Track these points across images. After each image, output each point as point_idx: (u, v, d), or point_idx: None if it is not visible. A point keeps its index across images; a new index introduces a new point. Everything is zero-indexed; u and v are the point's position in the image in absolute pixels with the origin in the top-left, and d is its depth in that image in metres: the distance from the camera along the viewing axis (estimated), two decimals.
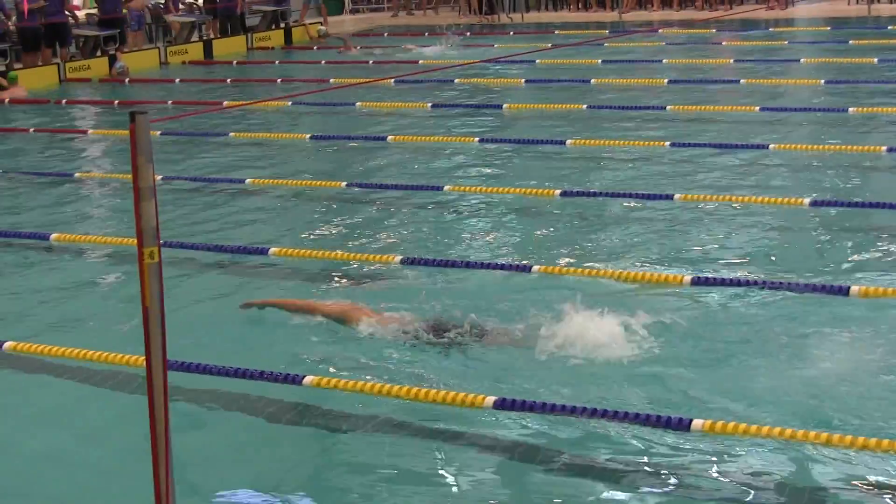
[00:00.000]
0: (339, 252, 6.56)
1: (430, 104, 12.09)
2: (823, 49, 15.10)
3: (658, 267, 5.95)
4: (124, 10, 17.95)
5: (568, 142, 9.44)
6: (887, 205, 6.86)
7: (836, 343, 4.77)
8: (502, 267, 6.05)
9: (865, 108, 10.19)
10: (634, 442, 3.99)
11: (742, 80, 12.29)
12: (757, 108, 10.45)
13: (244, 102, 12.90)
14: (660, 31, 18.18)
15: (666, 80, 12.63)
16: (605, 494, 3.73)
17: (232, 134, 10.97)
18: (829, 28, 17.42)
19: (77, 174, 9.55)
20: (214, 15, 19.58)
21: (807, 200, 7.06)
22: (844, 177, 7.95)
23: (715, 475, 3.78)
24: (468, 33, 19.92)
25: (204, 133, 11.20)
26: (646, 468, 3.84)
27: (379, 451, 4.10)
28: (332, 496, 3.90)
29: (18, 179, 9.54)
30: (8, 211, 8.41)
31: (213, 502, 3.80)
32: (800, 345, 4.77)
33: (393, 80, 13.43)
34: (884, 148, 8.47)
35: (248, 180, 8.73)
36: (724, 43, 16.40)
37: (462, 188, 8.06)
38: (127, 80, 16.00)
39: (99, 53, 17.33)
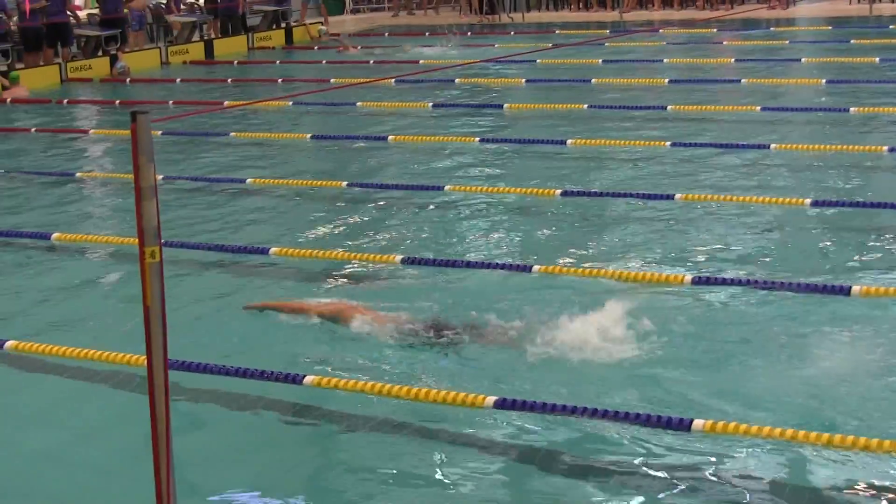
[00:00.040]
0: (340, 252, 6.56)
1: (430, 104, 12.09)
2: (825, 49, 15.09)
3: (659, 267, 5.95)
4: (125, 10, 17.96)
5: (569, 142, 9.44)
6: (888, 205, 6.86)
7: (836, 343, 4.77)
8: (503, 267, 6.05)
9: (867, 108, 10.18)
10: (635, 442, 3.99)
11: (743, 80, 12.28)
12: (758, 108, 10.44)
13: (245, 102, 12.91)
14: (661, 30, 18.18)
15: (667, 80, 12.63)
16: (605, 495, 3.74)
17: (233, 134, 10.98)
18: (830, 27, 17.41)
19: (78, 174, 9.55)
20: (215, 15, 19.59)
21: (808, 200, 7.05)
22: (845, 177, 7.95)
23: (715, 476, 3.78)
24: (469, 33, 19.92)
25: (205, 133, 11.21)
26: (646, 469, 3.84)
27: (379, 451, 4.10)
28: (333, 496, 3.90)
29: (20, 179, 9.54)
30: (9, 210, 8.41)
31: (214, 502, 3.80)
32: (801, 345, 4.77)
33: (394, 79, 13.43)
34: (885, 148, 8.46)
35: (248, 180, 8.74)
36: (725, 42, 16.40)
37: (463, 188, 8.06)
38: (128, 79, 16.02)
39: (100, 53, 17.34)
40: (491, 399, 4.26)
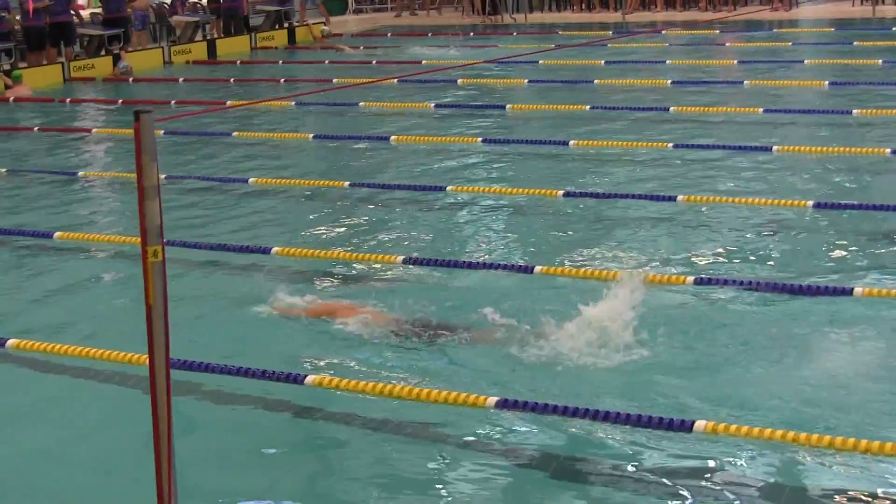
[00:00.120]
0: (342, 252, 6.56)
1: (433, 104, 12.09)
2: (827, 50, 15.08)
3: (660, 268, 5.94)
4: (128, 10, 17.98)
5: (571, 142, 9.44)
6: (891, 207, 6.85)
7: (839, 344, 4.76)
8: (504, 267, 6.05)
9: (869, 110, 10.17)
10: (636, 444, 3.99)
11: (746, 82, 12.28)
12: (760, 110, 10.43)
13: (247, 102, 12.91)
14: (663, 31, 18.17)
15: (669, 81, 12.62)
16: (606, 496, 3.73)
17: (235, 133, 10.98)
18: (833, 29, 17.40)
19: (81, 173, 9.56)
20: (218, 15, 19.60)
21: (810, 202, 7.05)
22: (848, 179, 7.94)
23: (717, 477, 3.78)
24: (471, 33, 19.92)
25: (207, 132, 11.21)
26: (647, 470, 3.84)
27: (380, 451, 4.10)
28: (333, 496, 3.90)
29: (22, 178, 9.55)
30: (12, 209, 8.42)
31: (214, 501, 3.80)
32: (803, 346, 4.76)
33: (396, 80, 13.43)
34: (888, 150, 8.46)
35: (251, 180, 8.74)
36: (727, 44, 16.39)
37: (465, 188, 8.06)
38: (131, 79, 16.03)
39: (103, 53, 17.35)
40: (493, 399, 4.26)
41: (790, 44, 16.02)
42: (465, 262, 6.27)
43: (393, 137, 10.23)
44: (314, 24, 20.60)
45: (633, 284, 4.87)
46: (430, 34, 19.83)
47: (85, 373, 4.97)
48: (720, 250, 6.33)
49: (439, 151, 9.75)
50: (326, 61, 16.84)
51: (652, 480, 3.76)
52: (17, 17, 16.55)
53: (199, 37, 19.25)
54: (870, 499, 3.61)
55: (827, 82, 11.92)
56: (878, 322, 5.02)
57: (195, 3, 20.21)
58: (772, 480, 3.75)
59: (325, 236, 7.14)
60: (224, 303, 5.81)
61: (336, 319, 5.24)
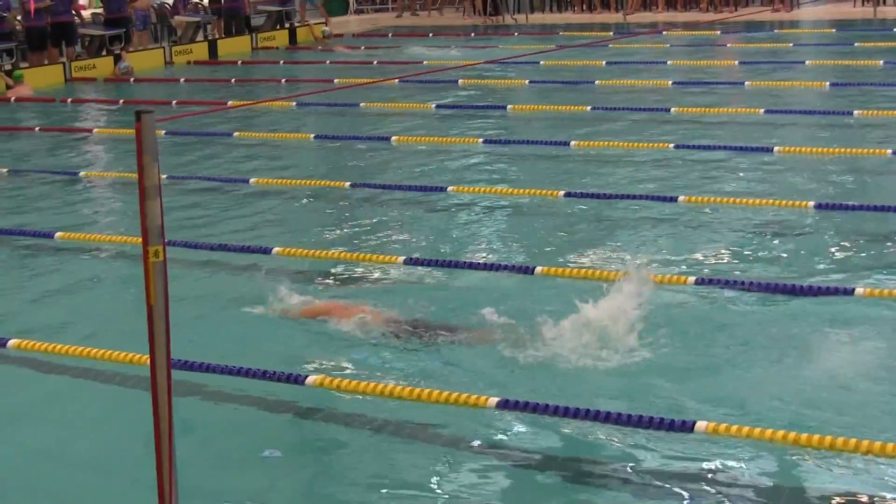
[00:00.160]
0: (343, 252, 6.57)
1: (434, 105, 12.10)
2: (829, 51, 15.08)
3: (662, 268, 5.94)
4: (130, 10, 17.99)
5: (572, 143, 9.44)
6: (892, 208, 6.85)
7: (840, 345, 4.76)
8: (505, 268, 6.05)
9: (870, 111, 10.17)
10: (637, 444, 3.99)
11: (747, 83, 12.28)
12: (761, 111, 10.43)
13: (248, 102, 12.92)
14: (664, 32, 18.17)
15: (670, 82, 12.62)
16: (606, 496, 3.73)
17: (236, 134, 10.99)
18: (834, 30, 17.40)
19: (82, 173, 9.56)
20: (219, 15, 19.61)
21: (811, 203, 7.05)
22: (849, 180, 7.94)
23: (717, 478, 3.78)
24: (472, 34, 19.92)
25: (208, 133, 11.22)
26: (647, 470, 3.83)
27: (381, 452, 4.10)
28: (334, 496, 3.90)
29: (24, 178, 9.56)
30: (13, 209, 8.43)
31: (215, 502, 3.80)
32: (804, 347, 4.76)
33: (397, 80, 13.43)
34: (889, 150, 8.46)
35: (252, 180, 8.75)
36: (728, 45, 16.39)
37: (466, 189, 8.06)
38: (132, 79, 16.04)
39: (104, 53, 17.37)
40: (493, 400, 4.26)
41: (791, 45, 16.01)
42: (465, 262, 6.27)
43: (394, 138, 10.23)
44: (315, 24, 20.60)
45: (639, 283, 4.87)
46: (431, 35, 19.83)
47: (86, 373, 4.98)
48: (721, 251, 6.33)
49: (440, 152, 9.75)
50: (328, 62, 16.84)
51: (652, 481, 3.76)
52: (19, 18, 16.56)
53: (200, 37, 19.26)
54: (871, 500, 3.60)
55: (828, 83, 11.92)
56: (879, 322, 5.02)
57: (196, 3, 20.22)
58: (772, 481, 3.75)
59: (326, 237, 7.14)
60: (225, 303, 5.82)
61: (336, 320, 5.24)
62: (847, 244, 6.36)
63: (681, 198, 7.34)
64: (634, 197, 7.54)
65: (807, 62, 13.79)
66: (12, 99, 14.43)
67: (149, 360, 2.62)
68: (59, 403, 4.78)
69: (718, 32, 17.98)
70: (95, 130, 11.95)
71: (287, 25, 20.44)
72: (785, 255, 6.25)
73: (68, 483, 4.04)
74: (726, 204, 7.23)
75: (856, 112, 10.11)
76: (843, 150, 8.74)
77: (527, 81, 13.58)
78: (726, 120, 10.37)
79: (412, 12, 23.81)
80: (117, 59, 16.71)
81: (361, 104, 12.31)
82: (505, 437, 4.13)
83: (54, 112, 13.64)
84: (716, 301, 5.45)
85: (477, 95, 12.95)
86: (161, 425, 2.61)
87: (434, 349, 4.92)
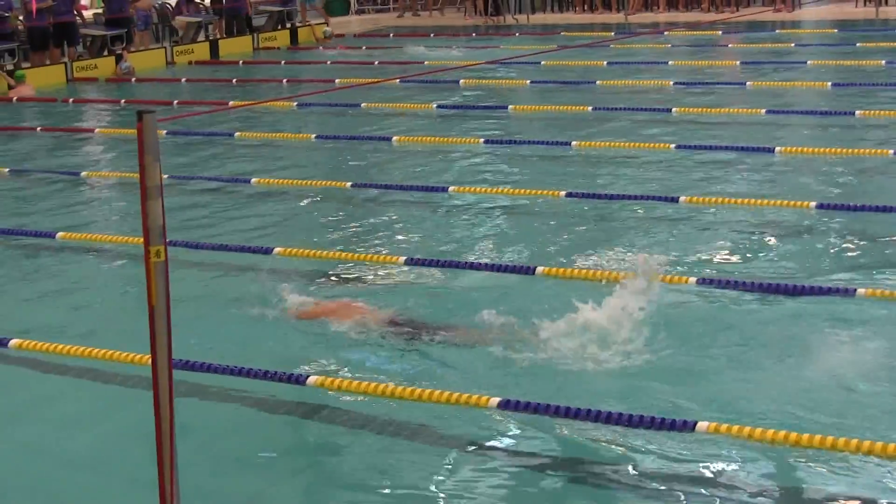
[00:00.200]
0: (344, 252, 6.57)
1: (435, 105, 12.10)
2: (831, 51, 15.07)
3: (663, 268, 5.93)
4: (131, 10, 17.99)
5: (573, 143, 9.44)
6: (894, 208, 6.84)
7: (843, 346, 4.76)
8: (506, 268, 6.05)
9: (872, 112, 10.16)
10: (637, 444, 3.98)
11: (748, 83, 12.27)
12: (763, 111, 10.43)
13: (250, 102, 12.92)
14: (666, 32, 18.16)
15: (672, 82, 12.62)
16: (607, 496, 3.73)
17: (237, 134, 10.99)
18: (836, 30, 17.38)
19: (84, 173, 9.57)
20: (220, 15, 19.62)
21: (813, 203, 7.05)
22: (851, 180, 7.93)
23: (718, 478, 3.77)
24: (473, 34, 19.92)
25: (209, 133, 11.22)
26: (649, 471, 3.83)
27: (382, 452, 4.10)
28: (335, 496, 3.90)
29: (25, 178, 9.56)
30: (15, 209, 8.43)
31: (216, 502, 3.80)
32: (805, 347, 4.76)
33: (398, 80, 13.43)
34: (891, 151, 8.45)
35: (253, 180, 8.75)
36: (730, 45, 16.38)
37: (467, 189, 8.06)
38: (133, 79, 16.04)
39: (106, 53, 17.38)
40: (495, 400, 4.26)
41: (793, 45, 16.00)
42: (467, 262, 6.27)
43: (395, 138, 10.23)
44: (316, 24, 20.60)
45: (646, 280, 4.87)
46: (432, 35, 19.82)
47: (87, 373, 4.98)
48: (723, 251, 6.33)
49: (441, 152, 9.75)
50: (329, 62, 16.85)
51: (653, 481, 3.76)
52: (21, 18, 16.57)
53: (201, 37, 19.27)
54: (872, 500, 3.60)
55: (830, 83, 11.91)
56: (881, 323, 5.02)
57: (198, 3, 20.23)
58: (774, 481, 3.75)
59: (327, 237, 7.14)
60: (225, 303, 5.81)
61: (338, 320, 5.24)
62: (849, 244, 6.36)
63: (682, 198, 7.34)
64: (636, 197, 7.54)
65: (808, 62, 13.78)
66: (14, 99, 14.43)
67: (150, 360, 2.62)
68: (61, 404, 4.78)
69: (720, 33, 17.97)
70: (97, 130, 11.96)
71: (288, 25, 20.44)
72: (787, 255, 6.25)
73: (68, 483, 4.04)
74: (728, 204, 7.23)
75: (858, 112, 10.10)
76: (845, 150, 8.73)
77: (528, 82, 13.58)
78: (728, 120, 10.37)
79: (413, 12, 23.81)
80: (119, 59, 16.72)
81: (363, 104, 12.30)
82: (506, 438, 4.13)
83: (56, 112, 13.64)
84: (717, 301, 5.44)
85: (478, 96, 12.95)
86: (162, 425, 2.61)
87: (435, 349, 4.92)
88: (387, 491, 3.83)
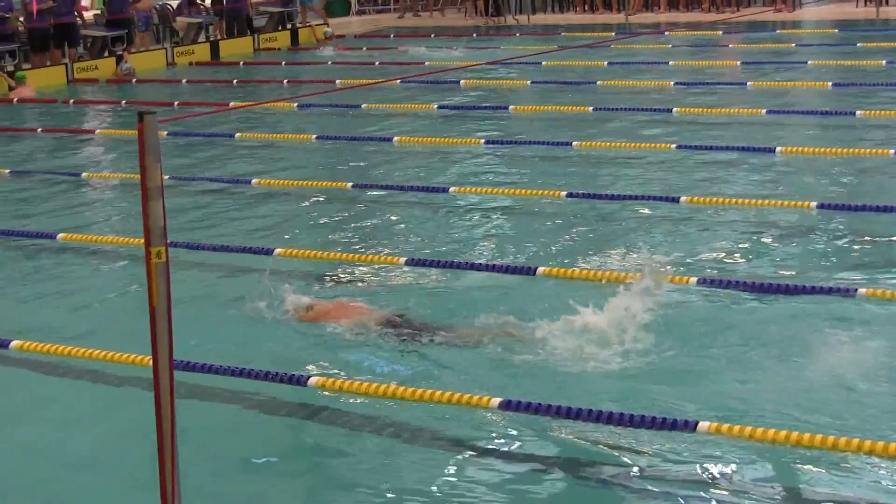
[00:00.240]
0: (344, 253, 6.57)
1: (436, 105, 12.10)
2: (831, 51, 15.06)
3: (664, 268, 5.93)
4: (132, 11, 18.00)
5: (574, 143, 9.44)
6: (894, 209, 6.84)
7: (842, 345, 4.76)
8: (507, 269, 6.05)
9: (873, 111, 10.16)
10: (639, 444, 3.98)
11: (749, 83, 12.27)
12: (764, 111, 10.42)
13: (250, 103, 12.92)
14: (666, 33, 18.16)
15: (672, 83, 12.62)
16: (609, 497, 3.73)
17: (238, 135, 10.99)
18: (836, 30, 17.38)
19: (85, 174, 9.57)
20: (221, 16, 19.62)
21: (813, 203, 7.04)
22: (852, 180, 7.93)
23: (720, 478, 3.77)
24: (474, 35, 19.93)
25: (210, 134, 11.22)
26: (650, 471, 3.83)
27: (383, 452, 4.10)
28: (336, 496, 3.90)
29: (26, 179, 9.56)
30: (16, 210, 8.43)
31: (216, 502, 3.80)
32: (806, 347, 4.76)
33: (399, 81, 13.44)
34: (892, 151, 8.44)
35: (253, 181, 8.75)
36: (731, 45, 16.38)
37: (468, 189, 8.06)
38: (134, 80, 16.05)
39: (106, 54, 17.38)
40: (496, 400, 4.26)
41: (793, 45, 16.00)
42: (467, 263, 6.27)
43: (396, 138, 10.23)
44: (317, 25, 20.60)
45: (651, 281, 4.87)
46: (432, 35, 19.83)
47: (89, 374, 4.98)
48: (723, 251, 6.33)
49: (442, 153, 9.75)
50: (329, 62, 16.85)
51: (655, 481, 3.76)
52: (21, 19, 16.57)
53: (202, 38, 19.27)
54: (873, 500, 3.60)
55: (830, 83, 11.91)
56: (882, 323, 5.02)
57: (199, 4, 20.24)
58: (775, 481, 3.74)
59: (327, 237, 7.14)
60: (226, 304, 5.81)
61: (339, 321, 5.24)
62: (849, 245, 6.36)
63: (683, 198, 7.34)
64: (636, 197, 7.54)
65: (809, 62, 13.77)
66: (15, 100, 14.44)
67: (151, 361, 2.62)
68: (60, 404, 4.78)
69: (720, 33, 17.97)
70: (98, 131, 11.96)
71: (289, 26, 20.45)
72: (787, 255, 6.24)
73: (68, 483, 4.04)
74: (728, 204, 7.23)
75: (858, 112, 10.10)
76: (845, 150, 8.73)
77: (529, 82, 13.58)
78: (728, 120, 10.36)
79: (414, 13, 23.81)
80: (119, 60, 16.73)
81: (363, 105, 12.31)
82: (507, 438, 4.13)
83: (56, 113, 13.65)
84: (718, 301, 5.44)
85: (479, 96, 12.95)
86: (164, 426, 2.61)
87: (436, 350, 4.92)
88: (388, 491, 3.83)
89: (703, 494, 3.68)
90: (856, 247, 6.32)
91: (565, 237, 6.83)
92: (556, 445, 4.09)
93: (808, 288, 5.45)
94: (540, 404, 4.21)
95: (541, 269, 5.95)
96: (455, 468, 3.95)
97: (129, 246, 6.94)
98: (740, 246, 6.43)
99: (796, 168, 8.43)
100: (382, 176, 8.97)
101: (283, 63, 17.40)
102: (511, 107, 11.84)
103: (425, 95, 12.94)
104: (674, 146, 9.11)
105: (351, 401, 4.48)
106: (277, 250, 6.61)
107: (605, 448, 4.00)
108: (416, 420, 4.30)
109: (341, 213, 7.81)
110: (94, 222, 7.97)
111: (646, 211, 7.28)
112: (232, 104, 13.01)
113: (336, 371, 4.77)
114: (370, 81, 13.89)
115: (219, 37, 19.34)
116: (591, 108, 11.23)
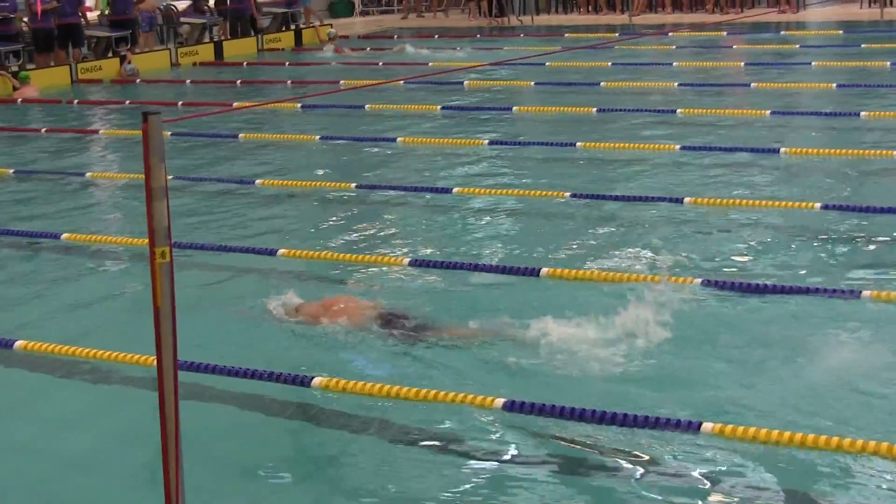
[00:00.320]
0: (348, 254, 6.57)
1: (439, 106, 12.10)
2: (835, 53, 15.05)
3: (667, 269, 5.93)
4: (136, 12, 18.03)
5: (577, 144, 9.44)
6: None
7: (846, 347, 4.75)
8: (511, 269, 6.04)
9: (878, 113, 10.15)
10: (642, 445, 3.98)
11: (753, 84, 12.26)
12: (767, 112, 10.42)
13: (254, 104, 12.93)
14: (670, 34, 18.15)
15: (676, 84, 12.61)
16: (611, 497, 3.73)
17: (242, 135, 11.00)
18: (841, 31, 17.36)
19: (89, 174, 9.58)
20: (225, 16, 19.64)
21: (818, 204, 7.03)
22: (856, 181, 7.92)
23: (723, 478, 3.77)
24: (478, 35, 19.92)
25: (214, 134, 11.23)
26: (652, 471, 3.83)
27: (386, 453, 4.10)
28: (339, 498, 3.90)
29: (30, 179, 9.58)
30: (20, 210, 8.44)
31: (218, 502, 3.80)
32: (810, 349, 4.75)
33: (402, 82, 13.44)
34: None
35: (257, 181, 8.76)
36: (734, 46, 16.36)
37: (471, 190, 8.05)
38: (138, 80, 16.07)
39: (110, 54, 17.40)
40: (500, 401, 4.26)
41: (798, 46, 15.98)
42: (471, 264, 6.26)
43: (400, 139, 10.23)
44: (321, 26, 20.62)
45: (658, 294, 4.89)
46: (436, 36, 19.83)
47: (92, 374, 4.98)
48: (727, 252, 6.32)
49: (446, 153, 9.75)
50: (333, 63, 16.86)
51: (658, 482, 3.76)
52: (25, 19, 16.60)
53: (206, 39, 19.29)
54: (877, 501, 3.59)
55: (835, 84, 11.89)
56: (886, 325, 5.01)
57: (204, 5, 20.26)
58: (779, 482, 3.74)
59: (331, 238, 7.14)
60: (230, 304, 5.82)
61: (342, 322, 5.24)
62: (854, 246, 6.35)
63: (686, 199, 7.33)
64: (640, 198, 7.53)
65: (813, 63, 13.76)
66: (19, 100, 14.46)
67: (155, 361, 2.62)
68: (61, 403, 4.79)
69: (724, 34, 17.95)
70: (102, 132, 11.97)
71: (293, 27, 20.46)
72: (792, 256, 6.23)
73: (68, 483, 4.05)
74: (732, 205, 7.22)
75: (863, 113, 10.09)
76: (850, 151, 8.72)
77: (532, 83, 13.57)
78: (732, 121, 10.35)
79: (417, 14, 23.82)
80: (123, 60, 16.75)
81: (367, 105, 12.31)
82: (511, 439, 4.13)
83: (61, 113, 13.67)
84: (722, 302, 5.44)
85: (483, 97, 12.95)
86: (168, 426, 2.61)
87: (440, 351, 4.92)
88: (388, 492, 3.82)
89: (707, 496, 3.68)
90: (860, 248, 6.31)
91: (569, 238, 6.83)
92: (558, 446, 4.08)
93: (813, 289, 5.45)
94: (544, 405, 4.21)
95: (544, 270, 5.94)
96: (457, 468, 3.95)
97: (133, 246, 6.95)
98: (744, 247, 6.42)
99: (801, 169, 8.42)
100: (386, 176, 8.97)
101: (287, 64, 17.41)
102: (515, 107, 11.84)
103: (429, 96, 12.94)
104: (678, 147, 9.10)
105: (353, 401, 4.48)
106: (281, 251, 6.61)
107: (609, 449, 4.00)
108: (419, 421, 4.30)
109: (345, 214, 7.81)
110: (98, 222, 7.99)
111: (649, 211, 7.27)
112: (236, 105, 13.02)
113: (339, 371, 4.77)
114: (374, 82, 13.90)
115: (223, 37, 19.36)
116: (594, 109, 11.22)
